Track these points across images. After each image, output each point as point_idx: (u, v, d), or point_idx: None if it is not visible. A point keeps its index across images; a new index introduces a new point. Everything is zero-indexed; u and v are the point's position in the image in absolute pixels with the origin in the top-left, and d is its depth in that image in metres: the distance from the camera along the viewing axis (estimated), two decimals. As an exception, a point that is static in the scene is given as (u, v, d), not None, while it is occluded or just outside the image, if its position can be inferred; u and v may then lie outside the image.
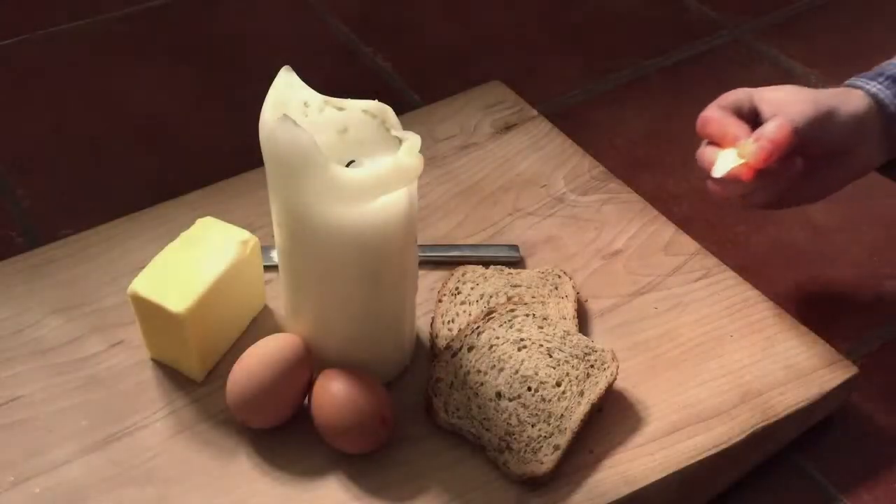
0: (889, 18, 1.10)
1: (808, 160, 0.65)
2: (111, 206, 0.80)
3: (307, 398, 0.63)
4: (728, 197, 0.67)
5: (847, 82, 0.70)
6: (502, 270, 0.73)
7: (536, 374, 0.64)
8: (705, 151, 0.66)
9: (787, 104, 0.65)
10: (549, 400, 0.63)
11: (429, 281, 0.73)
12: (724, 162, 0.64)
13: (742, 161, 0.63)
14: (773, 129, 0.63)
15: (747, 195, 0.66)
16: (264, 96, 0.57)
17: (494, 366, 0.65)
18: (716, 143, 0.66)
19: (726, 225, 0.85)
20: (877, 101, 0.68)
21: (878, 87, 0.68)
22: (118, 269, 0.73)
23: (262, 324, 0.70)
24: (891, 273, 0.82)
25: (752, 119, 0.67)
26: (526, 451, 0.61)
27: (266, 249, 0.72)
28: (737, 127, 0.65)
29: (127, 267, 0.72)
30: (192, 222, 0.68)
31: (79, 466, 0.62)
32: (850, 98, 0.67)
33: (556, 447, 0.61)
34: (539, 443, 0.61)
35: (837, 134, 0.66)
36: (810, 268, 0.82)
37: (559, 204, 0.80)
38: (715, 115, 0.66)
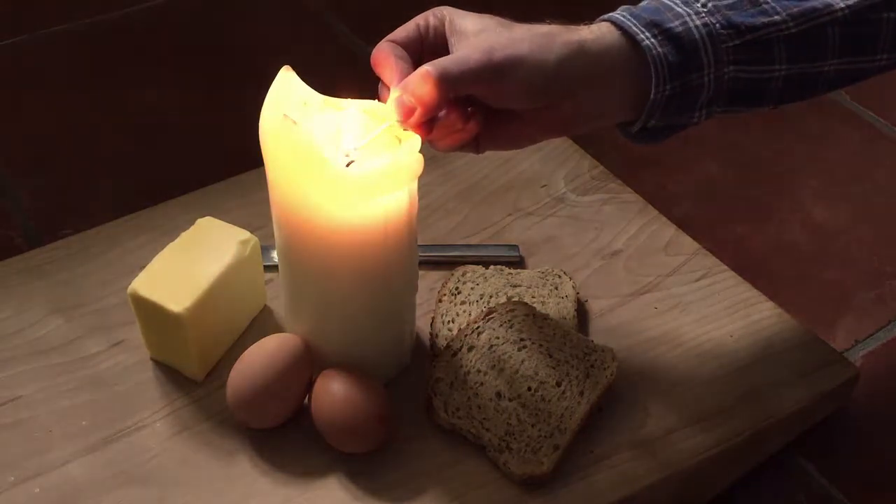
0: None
1: (495, 109, 0.56)
2: (111, 206, 0.80)
3: (307, 398, 0.63)
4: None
5: (614, 18, 0.57)
6: (502, 270, 0.73)
7: (536, 374, 0.64)
8: (381, 93, 0.57)
9: (468, 44, 0.54)
10: (549, 400, 0.63)
11: (429, 281, 0.73)
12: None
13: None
14: (414, 83, 0.53)
15: (430, 141, 0.57)
16: (264, 96, 0.57)
17: (494, 366, 0.65)
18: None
19: (726, 225, 0.85)
20: (641, 54, 0.55)
21: (652, 41, 0.55)
22: (118, 269, 0.73)
23: (262, 324, 0.70)
24: (891, 273, 0.82)
25: (445, 47, 0.57)
26: (526, 451, 0.61)
27: (266, 249, 0.72)
28: (393, 69, 0.55)
29: (127, 267, 0.72)
30: (192, 222, 0.68)
31: (79, 466, 0.62)
32: (561, 43, 0.54)
33: (556, 447, 0.61)
34: (539, 443, 0.61)
35: (522, 90, 0.54)
36: (810, 268, 0.82)
37: (559, 204, 0.80)
38: (381, 50, 0.56)
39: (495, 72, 0.53)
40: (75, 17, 1.07)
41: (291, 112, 0.56)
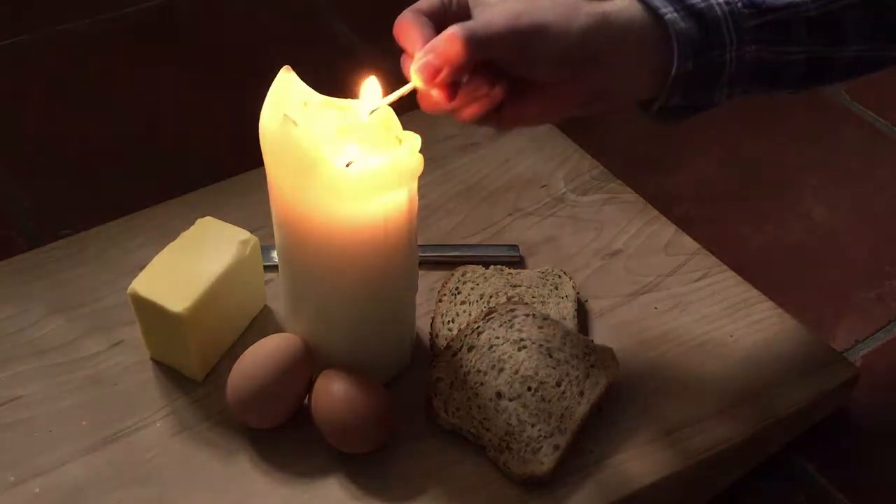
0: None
1: (518, 79, 0.56)
2: (111, 206, 0.80)
3: (307, 398, 0.63)
4: (436, 109, 0.56)
5: None
6: (502, 270, 0.73)
7: (536, 374, 0.64)
8: (403, 63, 0.56)
9: (492, 10, 0.55)
10: (549, 400, 0.63)
11: (429, 281, 0.73)
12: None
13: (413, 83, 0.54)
14: (441, 43, 0.53)
15: (453, 111, 0.56)
16: (264, 96, 0.57)
17: (494, 366, 0.65)
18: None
19: (726, 225, 0.85)
20: (663, 28, 0.55)
21: (674, 15, 0.55)
22: (118, 269, 0.73)
23: (262, 324, 0.70)
24: (891, 273, 0.82)
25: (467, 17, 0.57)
26: (526, 451, 0.61)
27: (266, 249, 0.72)
28: (417, 35, 0.55)
29: (127, 267, 0.72)
30: (192, 222, 0.68)
31: (79, 466, 0.62)
32: (585, 14, 0.55)
33: (556, 447, 0.61)
34: (539, 443, 0.61)
35: (546, 58, 0.54)
36: (810, 268, 0.82)
37: (559, 204, 0.80)
38: (405, 19, 0.55)
39: (520, 37, 0.53)
40: (75, 17, 1.07)
41: (291, 112, 0.56)
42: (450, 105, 0.55)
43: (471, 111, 0.56)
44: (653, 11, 0.56)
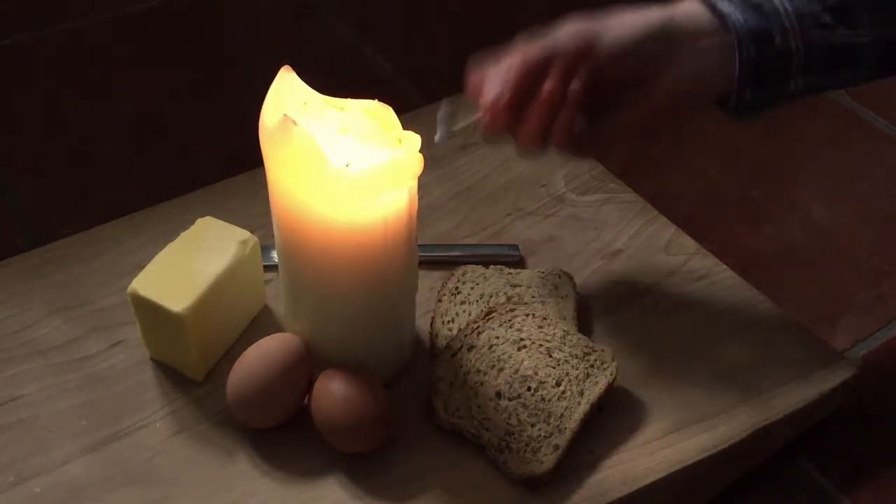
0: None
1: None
2: (111, 206, 0.80)
3: (307, 398, 0.63)
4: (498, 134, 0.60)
5: None
6: (502, 270, 0.73)
7: (536, 374, 0.64)
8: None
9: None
10: (549, 400, 0.63)
11: (429, 281, 0.73)
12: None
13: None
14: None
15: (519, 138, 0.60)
16: (264, 96, 0.57)
17: (494, 366, 0.65)
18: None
19: (726, 225, 0.85)
20: (722, 21, 0.59)
21: (731, 7, 0.58)
22: (118, 269, 0.73)
23: (262, 324, 0.70)
24: (891, 273, 0.82)
25: None
26: (526, 451, 0.61)
27: (266, 249, 0.72)
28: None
29: (127, 267, 0.72)
30: (192, 222, 0.68)
31: (79, 466, 0.62)
32: (650, 15, 0.59)
33: (556, 447, 0.61)
34: (539, 443, 0.61)
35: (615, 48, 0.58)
36: (810, 268, 0.82)
37: (559, 204, 0.80)
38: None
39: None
40: (75, 17, 1.07)
41: (291, 112, 0.56)
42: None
43: (527, 133, 0.60)
44: (711, 7, 0.58)
